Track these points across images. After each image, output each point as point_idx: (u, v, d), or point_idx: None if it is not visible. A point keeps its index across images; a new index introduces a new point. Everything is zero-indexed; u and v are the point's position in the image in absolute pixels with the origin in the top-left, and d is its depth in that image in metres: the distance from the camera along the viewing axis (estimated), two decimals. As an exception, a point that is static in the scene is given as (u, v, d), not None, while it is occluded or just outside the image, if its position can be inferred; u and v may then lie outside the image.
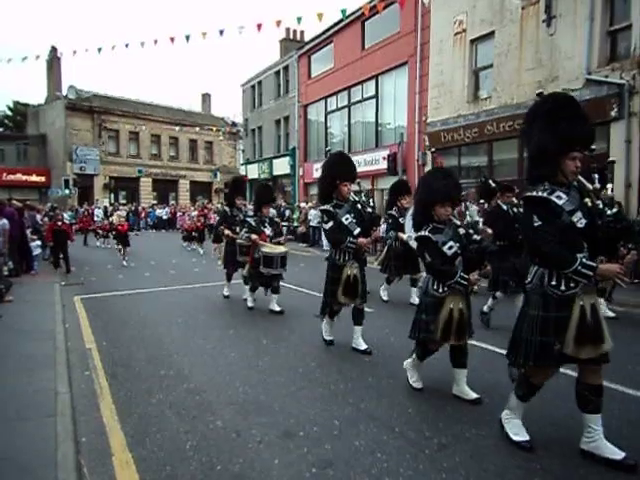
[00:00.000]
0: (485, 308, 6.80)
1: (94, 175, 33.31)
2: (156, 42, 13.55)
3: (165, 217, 31.75)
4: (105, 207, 27.71)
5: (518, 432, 3.52)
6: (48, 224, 13.04)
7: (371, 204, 6.14)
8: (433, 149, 16.44)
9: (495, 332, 6.32)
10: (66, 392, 4.50)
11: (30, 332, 6.55)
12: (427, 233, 4.21)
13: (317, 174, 23.09)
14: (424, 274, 4.52)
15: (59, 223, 12.64)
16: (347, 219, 5.49)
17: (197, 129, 36.51)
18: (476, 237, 4.37)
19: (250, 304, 8.05)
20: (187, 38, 13.29)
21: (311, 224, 18.84)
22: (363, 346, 5.63)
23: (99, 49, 13.88)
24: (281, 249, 7.58)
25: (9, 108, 43.62)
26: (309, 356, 5.58)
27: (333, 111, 22.70)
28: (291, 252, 16.32)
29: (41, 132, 34.85)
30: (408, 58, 17.37)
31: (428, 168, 16.64)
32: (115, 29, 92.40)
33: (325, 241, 17.98)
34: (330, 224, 5.51)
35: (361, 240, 5.43)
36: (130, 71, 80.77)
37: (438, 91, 16.11)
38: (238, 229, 8.34)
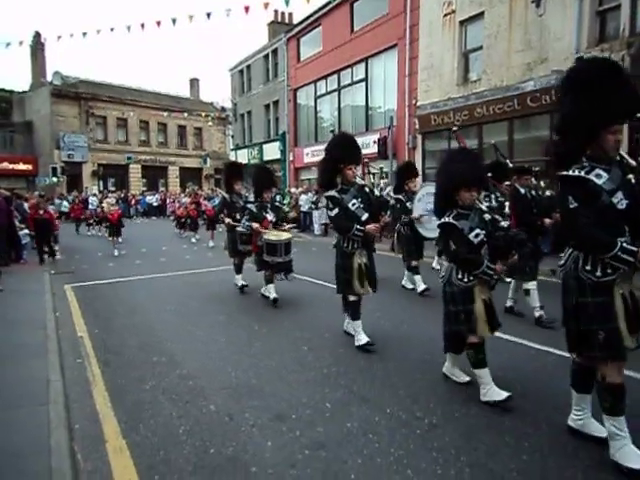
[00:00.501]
0: (509, 303, 6.50)
1: (82, 162, 32.96)
2: (143, 26, 13.33)
3: (155, 204, 31.57)
4: (95, 194, 27.46)
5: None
6: (29, 213, 12.52)
7: (382, 185, 5.85)
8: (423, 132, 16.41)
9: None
10: (58, 380, 4.50)
11: (21, 321, 6.53)
12: (451, 220, 3.92)
13: (308, 159, 23.09)
14: (441, 263, 4.32)
15: (40, 212, 12.14)
16: (354, 204, 5.14)
17: (186, 115, 36.09)
18: (503, 224, 4.10)
19: (273, 295, 7.33)
20: (174, 21, 13.09)
21: (302, 209, 18.81)
22: (364, 340, 5.23)
23: (84, 34, 13.66)
24: (285, 235, 7.24)
25: (-7, 95, 42.89)
26: (301, 340, 5.61)
27: (323, 95, 22.55)
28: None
29: (27, 119, 34.34)
30: (397, 40, 17.24)
31: (418, 151, 16.66)
32: (100, 13, 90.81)
33: (316, 226, 18.03)
34: (336, 211, 5.17)
35: (370, 227, 5.10)
36: (117, 56, 79.70)
37: (428, 74, 16.03)
38: (239, 216, 7.96)
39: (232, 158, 31.76)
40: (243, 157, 29.73)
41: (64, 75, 33.55)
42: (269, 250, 7.00)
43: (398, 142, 17.40)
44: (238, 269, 8.46)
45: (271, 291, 7.39)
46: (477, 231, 3.90)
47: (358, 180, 5.34)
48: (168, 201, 31.09)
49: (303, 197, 19.06)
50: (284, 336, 5.82)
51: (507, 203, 6.24)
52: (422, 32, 16.15)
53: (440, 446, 3.29)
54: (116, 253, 13.42)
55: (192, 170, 38.98)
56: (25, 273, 10.41)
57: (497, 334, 4.23)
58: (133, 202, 31.81)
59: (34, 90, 33.88)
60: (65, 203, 18.43)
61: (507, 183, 6.74)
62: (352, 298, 5.34)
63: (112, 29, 13.63)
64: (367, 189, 5.36)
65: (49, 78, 33.03)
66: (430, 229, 7.27)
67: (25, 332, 6.00)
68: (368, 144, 18.67)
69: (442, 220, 4.00)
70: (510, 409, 3.74)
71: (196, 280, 9.65)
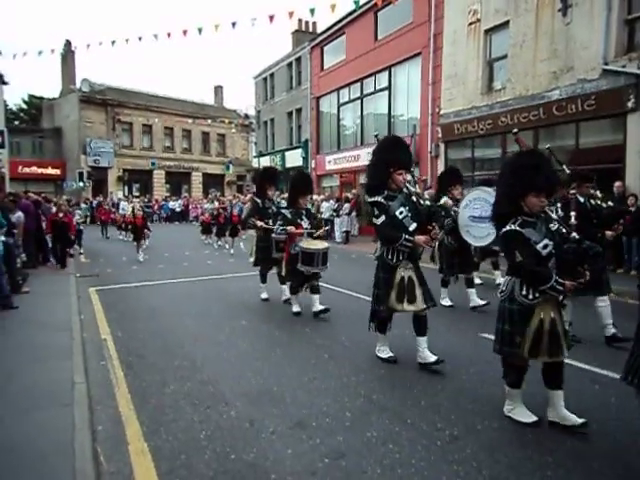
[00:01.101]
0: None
1: (108, 168, 33.59)
2: (169, 35, 13.55)
3: (178, 209, 31.96)
4: (127, 198, 27.67)
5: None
6: (49, 215, 12.32)
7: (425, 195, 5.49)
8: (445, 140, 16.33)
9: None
10: (82, 382, 4.57)
11: (46, 323, 6.66)
12: (517, 227, 3.58)
13: (330, 166, 23.15)
14: (503, 278, 3.96)
15: (60, 215, 12.06)
16: (401, 213, 4.74)
17: (209, 121, 36.59)
18: (575, 235, 3.82)
19: (296, 309, 7.09)
20: (199, 31, 13.26)
21: (323, 216, 18.83)
22: (432, 358, 4.83)
23: (112, 42, 13.91)
24: (322, 244, 6.80)
25: (24, 102, 44.05)
26: (322, 348, 5.60)
27: (345, 103, 22.60)
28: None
29: (56, 125, 35.18)
30: (421, 49, 17.22)
31: (441, 160, 16.57)
32: (129, 23, 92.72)
33: (338, 233, 18.03)
34: (382, 219, 4.76)
35: (419, 238, 4.69)
36: (143, 64, 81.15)
37: (451, 82, 15.96)
38: (271, 222, 7.63)
39: (255, 165, 32.05)
40: (265, 164, 29.85)
41: (92, 82, 34.28)
42: (305, 259, 6.61)
43: (421, 150, 17.33)
44: (263, 279, 8.14)
45: (294, 303, 7.11)
46: (545, 241, 3.60)
47: (408, 187, 4.89)
48: (191, 207, 31.49)
49: (325, 204, 19.09)
50: (305, 343, 5.83)
51: (572, 213, 5.63)
52: (446, 41, 16.10)
53: (461, 458, 3.25)
54: (140, 258, 13.24)
55: (215, 176, 39.40)
56: (51, 276, 10.64)
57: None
58: (156, 207, 32.26)
59: (63, 97, 34.71)
60: (80, 212, 18.79)
61: (572, 191, 6.00)
62: (381, 308, 4.93)
63: (140, 38, 13.87)
64: (414, 197, 4.90)
65: (78, 85, 33.78)
66: (479, 237, 7.03)
67: (51, 334, 6.12)
68: (390, 152, 18.65)
69: (507, 228, 3.63)
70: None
71: (218, 285, 9.74)
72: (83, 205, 24.66)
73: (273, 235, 7.43)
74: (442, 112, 16.31)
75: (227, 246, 15.66)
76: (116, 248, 16.80)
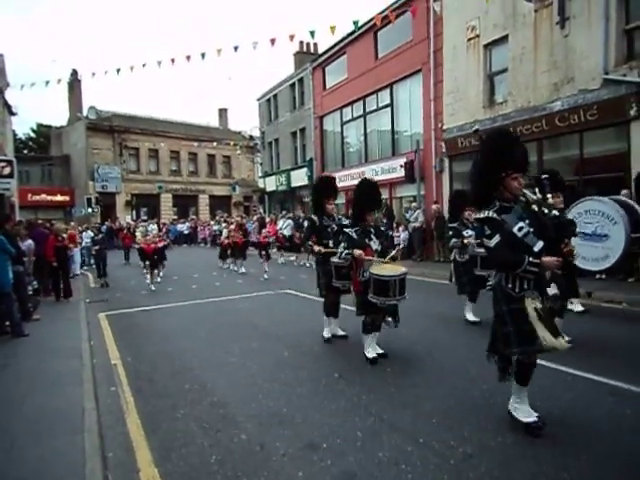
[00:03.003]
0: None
1: (116, 193, 33.91)
2: (173, 61, 13.80)
3: (186, 232, 32.12)
4: (130, 222, 27.61)
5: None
6: (50, 239, 11.17)
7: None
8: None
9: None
10: (93, 408, 4.58)
11: (57, 350, 6.70)
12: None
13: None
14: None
15: (60, 238, 11.32)
16: (521, 229, 3.70)
17: (215, 144, 36.96)
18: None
19: (371, 354, 5.70)
20: (203, 55, 13.50)
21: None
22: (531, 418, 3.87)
23: (118, 70, 14.18)
24: (398, 269, 5.54)
25: (33, 130, 44.86)
26: (331, 367, 5.58)
27: (349, 121, 22.76)
28: (311, 261, 16.45)
29: (64, 153, 35.68)
30: (422, 66, 17.37)
31: (446, 175, 16.59)
32: (133, 50, 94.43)
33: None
34: (496, 239, 3.71)
35: (548, 260, 3.65)
36: (148, 90, 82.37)
37: (453, 97, 16.05)
38: (331, 243, 6.59)
39: (261, 185, 32.21)
40: (271, 184, 30.13)
41: (99, 109, 34.79)
42: (378, 288, 5.39)
43: (425, 166, 17.37)
44: (328, 311, 6.79)
45: (372, 345, 5.75)
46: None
47: (527, 194, 3.89)
48: (199, 229, 31.65)
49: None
50: (314, 363, 5.81)
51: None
52: (446, 57, 16.24)
53: (476, 476, 3.21)
54: (153, 287, 12.35)
55: (221, 198, 39.65)
56: (61, 302, 10.70)
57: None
58: (164, 230, 32.43)
59: (71, 125, 35.24)
60: (90, 233, 18.18)
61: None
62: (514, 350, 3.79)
63: (144, 65, 14.13)
64: (535, 206, 3.86)
65: (85, 113, 34.31)
66: (592, 259, 6.22)
67: (62, 360, 6.15)
68: (395, 168, 18.72)
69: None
70: (545, 436, 3.63)
71: (226, 307, 9.74)
72: (89, 232, 24.72)
73: (332, 260, 6.33)
74: (445, 127, 16.38)
75: (236, 267, 15.34)
76: (124, 272, 16.87)
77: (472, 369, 5.21)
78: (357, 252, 5.58)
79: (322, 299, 6.86)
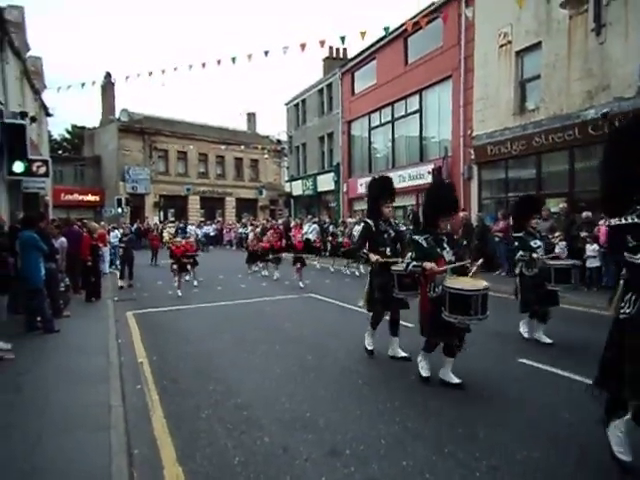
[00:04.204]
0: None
1: (145, 194, 34.51)
2: (204, 65, 14.00)
3: (212, 234, 32.46)
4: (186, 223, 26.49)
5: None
6: (85, 238, 11.10)
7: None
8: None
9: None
10: (119, 405, 4.65)
11: (85, 347, 6.83)
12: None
13: (361, 189, 23.15)
14: None
15: (94, 237, 11.27)
16: None
17: (243, 147, 37.33)
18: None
19: (425, 373, 5.22)
20: (233, 60, 13.66)
21: (355, 240, 18.80)
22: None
23: (150, 73, 14.44)
24: (479, 283, 4.78)
25: (67, 132, 46.05)
26: (355, 373, 5.55)
27: (377, 127, 22.73)
28: (335, 266, 16.43)
29: (96, 154, 36.48)
30: (452, 72, 17.25)
31: (474, 182, 16.40)
32: (165, 54, 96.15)
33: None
34: None
35: None
36: (179, 93, 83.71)
37: (483, 104, 15.89)
38: (389, 251, 5.97)
39: (287, 189, 32.39)
40: (297, 188, 30.27)
41: (131, 112, 35.50)
42: (455, 305, 4.65)
43: (453, 172, 17.21)
44: (374, 323, 6.20)
45: (448, 373, 5.06)
46: None
47: None
48: (224, 231, 31.97)
49: (357, 228, 19.06)
50: (338, 368, 5.78)
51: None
52: (477, 63, 16.10)
53: (501, 490, 3.14)
54: (179, 293, 11.55)
55: (248, 201, 39.98)
56: (90, 301, 10.89)
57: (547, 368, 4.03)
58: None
59: (103, 126, 36.04)
60: (118, 233, 17.93)
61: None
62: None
63: (175, 68, 14.37)
64: None
65: (117, 115, 35.04)
66: None
67: (90, 357, 6.26)
68: (422, 175, 18.61)
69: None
70: (574, 452, 3.54)
71: (251, 309, 9.79)
72: (119, 231, 25.09)
73: (394, 268, 5.73)
74: (474, 134, 16.22)
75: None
76: (152, 272, 17.12)
77: (499, 379, 5.13)
78: (428, 265, 4.75)
79: (365, 310, 6.33)
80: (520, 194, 14.02)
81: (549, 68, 13.47)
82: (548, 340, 6.53)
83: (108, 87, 32.05)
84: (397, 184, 22.07)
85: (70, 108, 62.75)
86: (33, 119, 14.72)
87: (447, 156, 17.28)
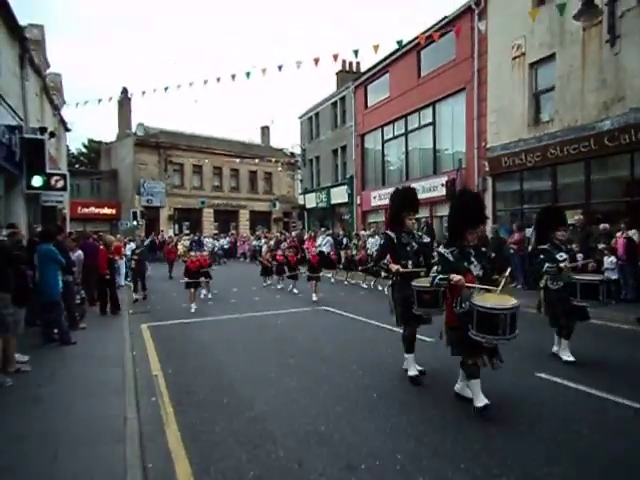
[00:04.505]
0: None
1: (160, 207, 34.82)
2: (219, 80, 14.18)
3: (226, 246, 32.60)
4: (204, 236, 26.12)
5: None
6: (102, 251, 10.93)
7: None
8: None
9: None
10: (134, 417, 4.66)
11: (101, 358, 6.87)
12: None
13: (375, 202, 23.22)
14: None
15: (110, 250, 11.09)
16: None
17: (257, 161, 37.60)
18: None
19: (482, 401, 4.60)
20: (247, 75, 13.81)
21: (369, 252, 18.74)
22: None
23: (166, 88, 14.66)
24: (507, 300, 4.51)
25: (84, 146, 46.77)
26: (370, 387, 5.50)
27: (390, 139, 22.77)
28: (351, 280, 16.39)
29: (112, 167, 36.98)
30: (465, 84, 17.25)
31: (489, 194, 16.31)
32: (180, 70, 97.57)
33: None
34: None
35: None
36: (194, 107, 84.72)
37: (497, 116, 15.85)
38: (410, 265, 5.70)
39: (301, 202, 32.48)
40: (311, 201, 30.35)
41: (147, 126, 35.98)
42: (484, 324, 4.41)
43: (467, 184, 17.11)
44: (409, 346, 5.79)
45: (478, 395, 4.63)
46: None
47: None
48: (238, 243, 32.10)
49: (371, 240, 19.03)
50: (352, 381, 5.74)
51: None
52: (490, 75, 16.09)
53: (520, 508, 3.08)
54: (193, 309, 11.19)
55: (262, 213, 40.15)
56: (107, 315, 10.97)
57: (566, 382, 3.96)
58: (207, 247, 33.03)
59: (119, 141, 36.55)
60: (133, 245, 17.67)
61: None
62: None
63: (191, 84, 14.58)
64: None
65: (133, 129, 35.54)
66: None
67: (105, 369, 6.30)
68: (436, 187, 18.57)
69: None
70: (595, 469, 3.47)
71: (265, 322, 9.79)
72: (134, 242, 25.28)
73: (414, 283, 5.44)
74: (489, 146, 16.16)
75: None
76: (168, 285, 17.22)
77: (516, 393, 5.06)
78: (456, 277, 4.52)
79: (396, 328, 6.16)
80: (535, 206, 13.96)
81: (563, 80, 13.41)
82: (571, 358, 6.23)
83: (125, 102, 32.54)
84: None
85: (88, 123, 63.92)
86: (52, 134, 14.97)
87: (461, 168, 17.23)
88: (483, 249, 5.03)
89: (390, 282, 5.95)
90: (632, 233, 10.36)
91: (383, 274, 6.70)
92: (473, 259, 4.77)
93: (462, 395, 4.98)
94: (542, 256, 6.42)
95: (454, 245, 4.85)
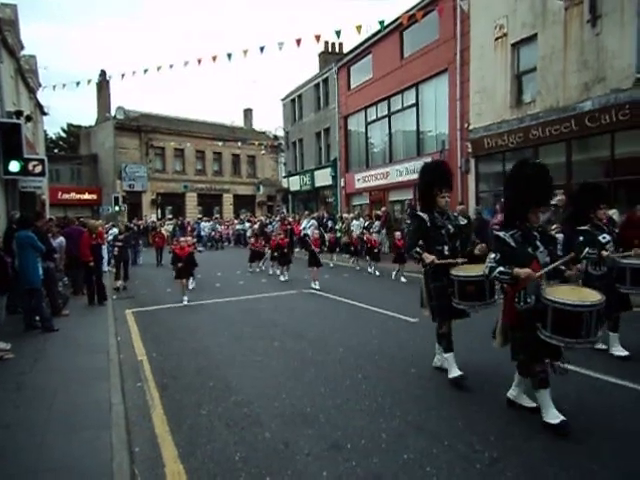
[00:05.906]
0: None
1: (142, 192, 34.38)
2: (200, 61, 13.95)
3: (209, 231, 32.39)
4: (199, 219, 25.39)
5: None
6: (84, 236, 10.32)
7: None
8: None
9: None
10: (120, 403, 4.66)
11: (85, 345, 6.83)
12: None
13: (359, 184, 23.22)
14: None
15: (94, 236, 10.41)
16: None
17: (240, 144, 37.27)
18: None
19: (527, 403, 4.21)
20: (229, 56, 13.62)
21: (354, 235, 18.80)
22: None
23: (145, 70, 14.43)
24: (592, 295, 3.81)
25: (63, 130, 45.90)
26: (355, 369, 5.56)
27: (373, 121, 22.67)
28: (337, 262, 16.46)
29: (92, 152, 36.32)
30: (448, 65, 17.20)
31: (472, 175, 16.40)
32: (160, 52, 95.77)
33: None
34: None
35: None
36: (175, 90, 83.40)
37: (480, 97, 15.86)
38: (447, 250, 4.96)
39: (284, 185, 32.35)
40: (295, 184, 30.23)
41: (126, 110, 35.32)
42: (563, 323, 3.67)
43: (450, 166, 17.17)
44: (448, 343, 5.04)
45: (548, 408, 3.87)
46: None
47: None
48: (222, 228, 31.93)
49: (355, 223, 19.08)
50: (338, 363, 5.79)
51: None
52: (473, 56, 16.05)
53: (502, 482, 3.16)
54: (185, 301, 10.32)
55: (246, 197, 39.91)
56: (94, 305, 10.82)
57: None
58: (189, 229, 32.79)
59: (99, 125, 35.88)
60: (116, 230, 16.93)
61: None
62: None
63: (171, 65, 14.37)
64: None
65: (113, 113, 34.90)
66: None
67: (89, 356, 6.27)
68: (419, 169, 18.59)
69: None
70: (573, 441, 3.56)
71: (250, 306, 9.79)
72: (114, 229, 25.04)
73: (454, 272, 4.75)
74: (471, 127, 16.19)
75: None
76: (153, 271, 17.11)
77: (497, 372, 5.14)
78: (523, 271, 3.76)
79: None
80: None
81: (545, 60, 13.43)
82: (624, 352, 5.55)
83: (103, 85, 31.97)
84: (394, 179, 21.91)
85: (66, 107, 62.57)
86: (28, 118, 14.61)
87: (444, 149, 17.25)
88: (550, 232, 4.30)
89: (423, 270, 5.21)
90: (612, 212, 10.51)
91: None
92: (539, 243, 4.01)
93: (519, 403, 4.25)
94: (581, 238, 5.58)
95: (514, 227, 4.08)
